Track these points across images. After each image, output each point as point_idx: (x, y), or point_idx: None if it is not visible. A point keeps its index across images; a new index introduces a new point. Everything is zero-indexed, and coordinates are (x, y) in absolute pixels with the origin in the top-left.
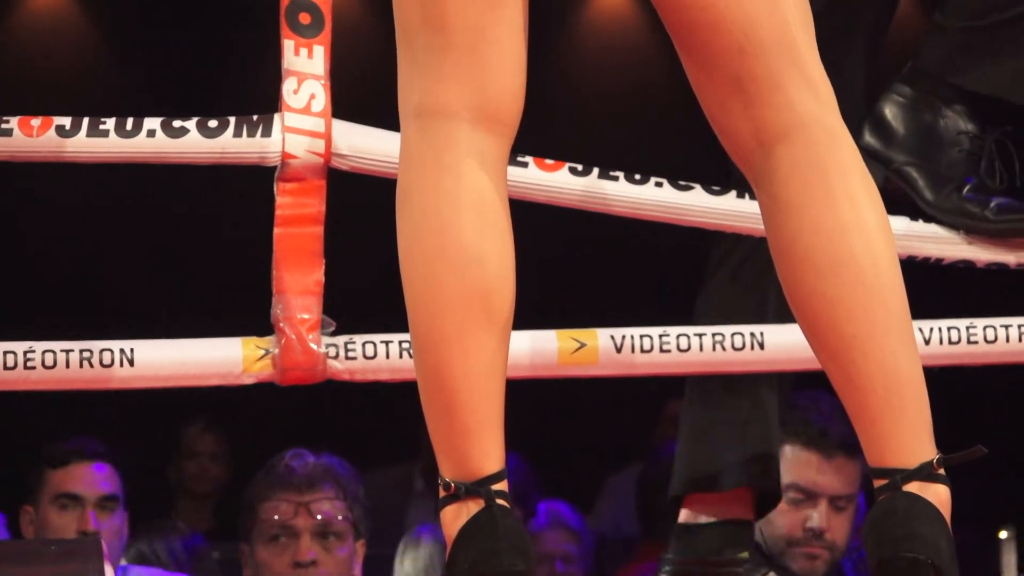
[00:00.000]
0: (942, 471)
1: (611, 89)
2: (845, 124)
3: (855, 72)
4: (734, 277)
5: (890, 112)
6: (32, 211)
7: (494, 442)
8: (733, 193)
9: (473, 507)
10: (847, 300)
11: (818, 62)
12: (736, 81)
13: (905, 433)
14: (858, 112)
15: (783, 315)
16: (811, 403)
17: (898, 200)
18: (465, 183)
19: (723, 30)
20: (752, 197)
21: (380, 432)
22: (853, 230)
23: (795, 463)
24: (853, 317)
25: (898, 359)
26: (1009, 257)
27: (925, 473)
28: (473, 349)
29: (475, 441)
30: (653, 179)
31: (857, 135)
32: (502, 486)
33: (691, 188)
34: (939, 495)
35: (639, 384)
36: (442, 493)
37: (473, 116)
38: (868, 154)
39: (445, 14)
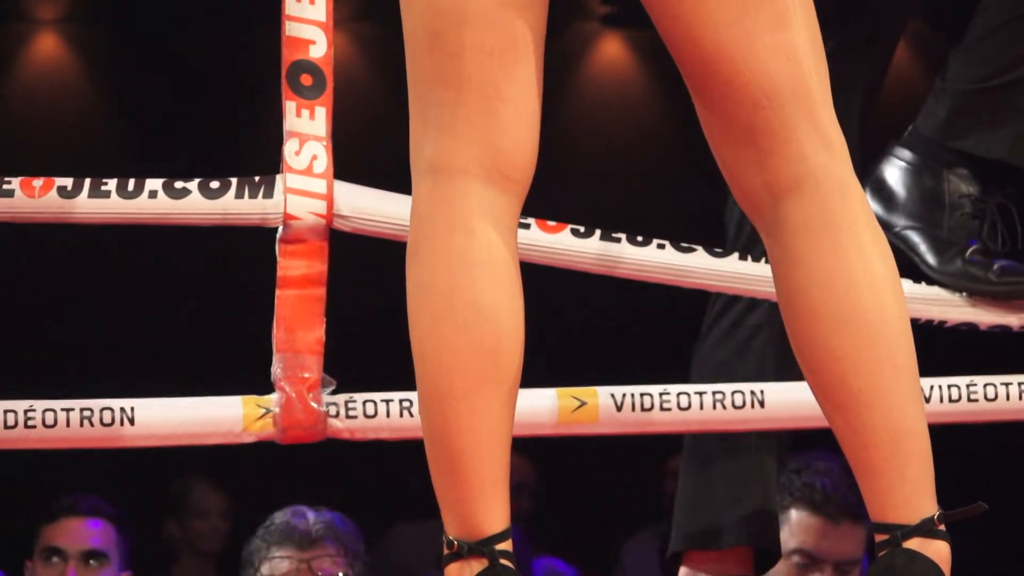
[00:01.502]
0: (943, 527)
1: (611, 145)
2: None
3: (850, 130)
4: (732, 335)
5: (891, 176)
6: (32, 268)
7: (498, 501)
8: (735, 255)
9: (476, 566)
10: (855, 355)
11: (832, 114)
12: (750, 133)
13: (907, 488)
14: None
15: (782, 373)
16: (818, 467)
17: (900, 264)
18: (477, 240)
19: (741, 83)
20: (754, 259)
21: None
22: (863, 285)
23: (801, 528)
24: (860, 372)
25: (904, 415)
26: (1012, 319)
27: (926, 529)
28: (480, 407)
29: (479, 500)
30: (655, 241)
31: None
32: (506, 545)
33: (693, 250)
34: (939, 552)
35: (639, 442)
36: (446, 551)
37: (485, 174)
38: None
39: (459, 70)
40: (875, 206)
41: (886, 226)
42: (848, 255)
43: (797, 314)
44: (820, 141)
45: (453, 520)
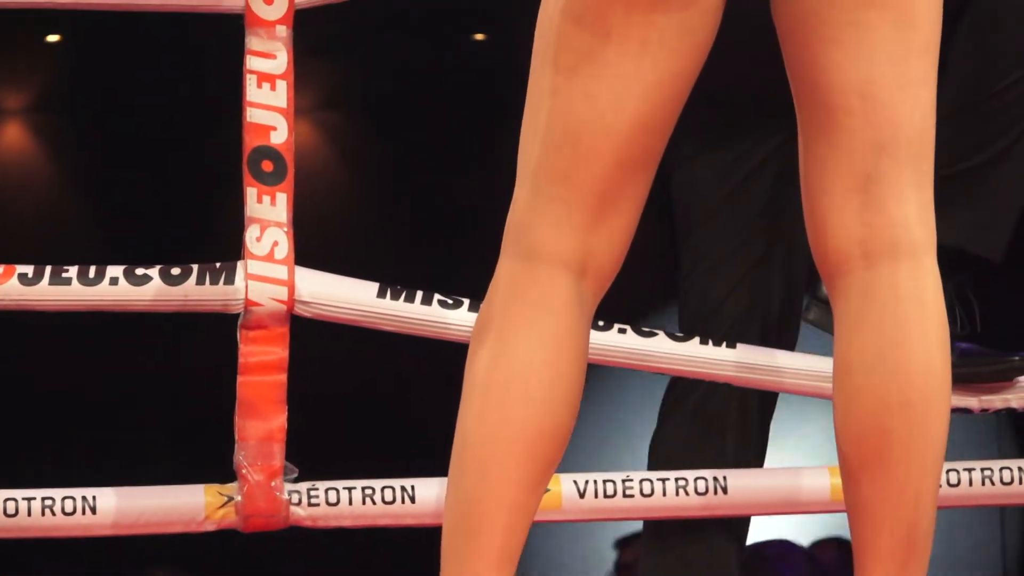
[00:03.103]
0: None
1: None
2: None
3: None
4: (692, 418)
5: None
6: None
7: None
8: (696, 340)
9: None
10: (900, 438)
11: (932, 186)
12: (864, 178)
13: None
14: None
15: (741, 459)
16: (783, 558)
17: None
18: (559, 324)
19: (873, 123)
20: (715, 344)
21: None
22: (919, 373)
23: None
24: (900, 456)
25: (924, 509)
26: (972, 402)
27: None
28: (514, 481)
29: (491, 571)
30: (617, 325)
31: (815, 284)
32: None
33: (654, 335)
34: None
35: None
36: None
37: (580, 269)
38: (828, 306)
39: (587, 177)
40: None
41: None
42: (918, 343)
43: (847, 377)
44: (924, 211)
45: None
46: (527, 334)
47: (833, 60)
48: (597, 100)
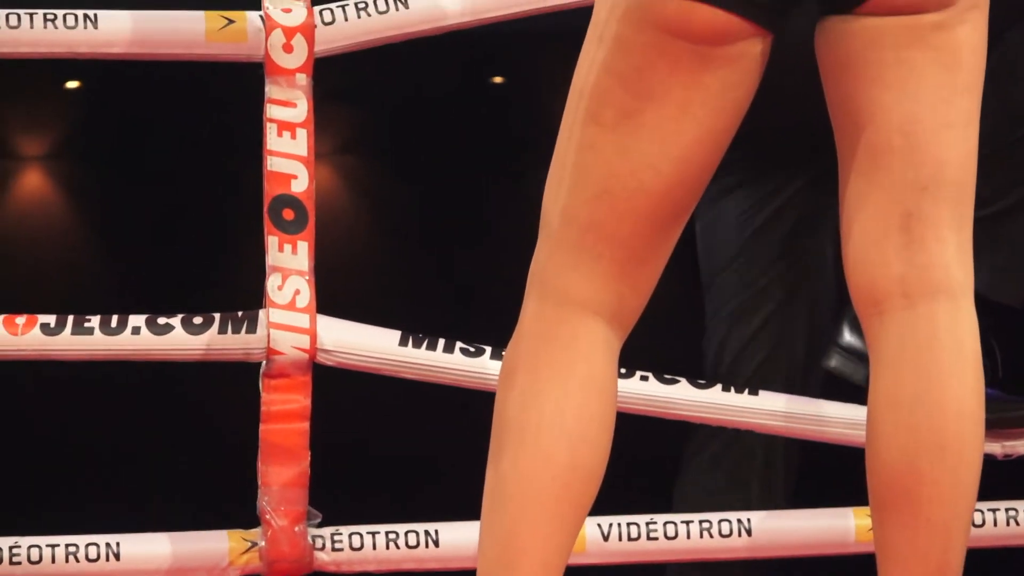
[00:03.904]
0: None
1: None
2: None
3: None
4: (715, 465)
5: None
6: (15, 402)
7: None
8: (718, 387)
9: None
10: (932, 480)
11: (971, 227)
12: (905, 217)
13: None
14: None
15: (765, 502)
16: None
17: None
18: (590, 366)
19: (915, 163)
20: (737, 391)
21: None
22: (954, 416)
23: None
24: (931, 497)
25: (954, 552)
26: (995, 447)
27: None
28: (551, 520)
29: None
30: (639, 373)
31: (836, 334)
32: None
33: (676, 382)
34: None
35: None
36: None
37: (608, 314)
38: (849, 353)
39: (622, 233)
40: (854, 340)
41: (865, 360)
42: (948, 380)
43: (881, 415)
44: (963, 253)
45: None
46: (559, 377)
47: (877, 99)
48: (633, 158)
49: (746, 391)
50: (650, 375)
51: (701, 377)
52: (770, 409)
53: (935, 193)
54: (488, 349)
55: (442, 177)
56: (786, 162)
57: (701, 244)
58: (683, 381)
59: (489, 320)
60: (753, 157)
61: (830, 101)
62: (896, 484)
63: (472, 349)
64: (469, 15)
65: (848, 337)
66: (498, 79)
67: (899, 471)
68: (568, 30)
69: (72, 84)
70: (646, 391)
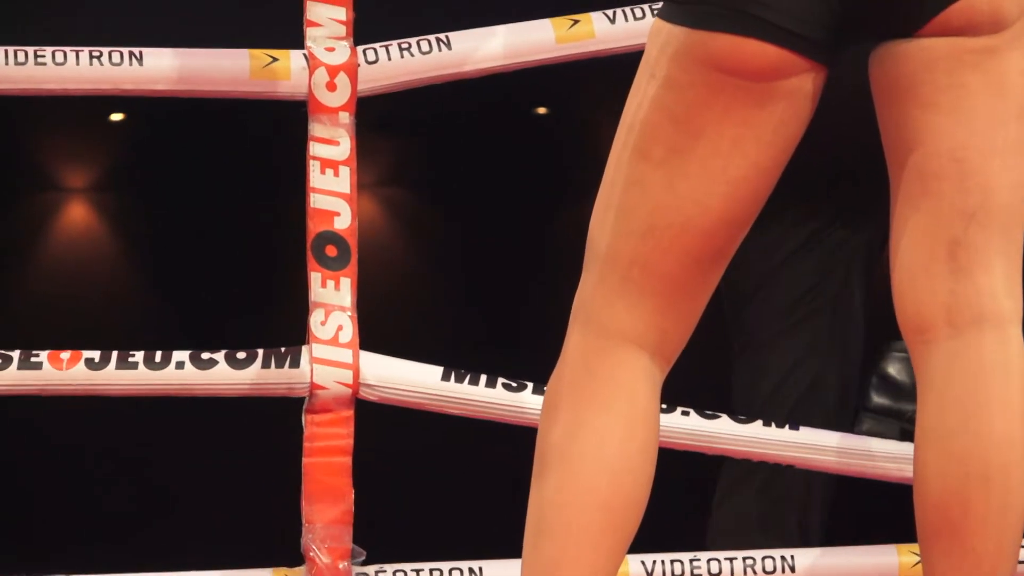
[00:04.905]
0: None
1: None
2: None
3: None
4: (757, 499)
5: (893, 368)
6: (66, 434)
7: None
8: (759, 422)
9: None
10: (978, 509)
11: (1020, 255)
12: (952, 245)
13: None
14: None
15: (802, 538)
16: None
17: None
18: (636, 400)
19: (964, 189)
20: (779, 425)
21: None
22: (1000, 444)
23: None
24: (976, 528)
25: None
26: None
27: None
28: (595, 548)
29: None
30: (680, 408)
31: (863, 399)
32: None
33: (717, 417)
34: None
35: None
36: None
37: (652, 348)
38: (880, 413)
39: (668, 270)
40: (883, 400)
41: (898, 415)
42: (994, 409)
43: (928, 445)
44: (1012, 281)
45: None
46: (603, 408)
47: (929, 124)
48: (681, 194)
49: (787, 426)
50: (691, 410)
51: (726, 408)
52: (813, 443)
53: (983, 220)
54: (530, 385)
55: (484, 209)
56: (809, 195)
57: (726, 276)
58: (724, 416)
59: (532, 354)
60: (780, 192)
61: (883, 127)
62: (942, 514)
63: (514, 384)
64: (511, 58)
65: (876, 399)
66: (542, 110)
67: (945, 501)
68: (612, 61)
69: (117, 116)
70: (688, 426)
